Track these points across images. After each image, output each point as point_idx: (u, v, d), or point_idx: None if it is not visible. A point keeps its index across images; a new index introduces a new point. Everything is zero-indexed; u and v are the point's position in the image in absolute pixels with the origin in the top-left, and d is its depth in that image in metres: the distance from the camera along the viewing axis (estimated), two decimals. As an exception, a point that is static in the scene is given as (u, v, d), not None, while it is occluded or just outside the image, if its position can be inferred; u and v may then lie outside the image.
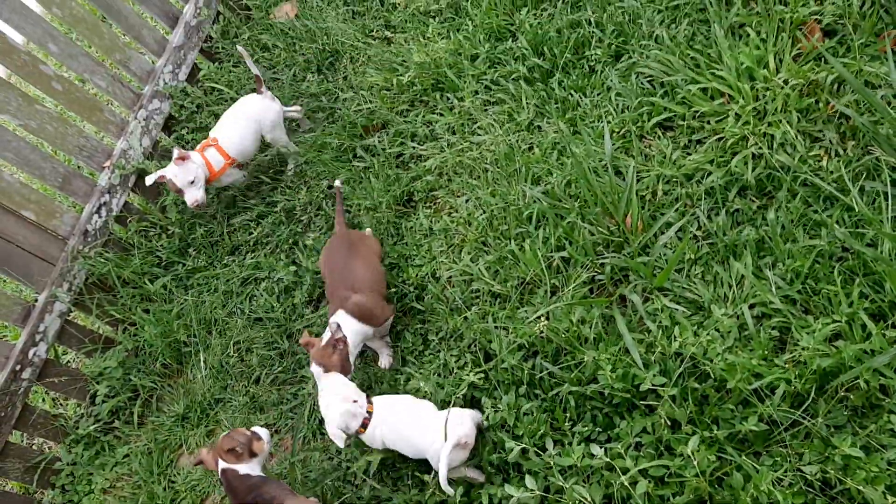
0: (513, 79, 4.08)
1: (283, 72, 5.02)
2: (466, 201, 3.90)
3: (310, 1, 5.25)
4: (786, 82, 3.20)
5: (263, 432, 3.36)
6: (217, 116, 5.13)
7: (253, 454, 3.26)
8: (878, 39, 3.10)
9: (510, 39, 4.23)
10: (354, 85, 4.64)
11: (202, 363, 4.28)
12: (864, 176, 2.91)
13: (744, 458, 2.55)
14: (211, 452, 3.29)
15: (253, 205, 4.66)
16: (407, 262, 3.86)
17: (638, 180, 3.41)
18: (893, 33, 3.06)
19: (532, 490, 2.73)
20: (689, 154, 3.39)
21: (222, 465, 3.23)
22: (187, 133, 5.22)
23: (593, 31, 3.94)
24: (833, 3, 3.21)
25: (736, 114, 3.28)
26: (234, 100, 5.15)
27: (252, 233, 4.56)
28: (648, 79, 3.69)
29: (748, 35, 3.41)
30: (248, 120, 4.46)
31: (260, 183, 4.73)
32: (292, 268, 4.20)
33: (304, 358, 3.97)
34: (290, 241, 4.39)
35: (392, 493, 3.27)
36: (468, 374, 3.23)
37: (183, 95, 5.25)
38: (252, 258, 4.47)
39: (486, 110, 4.09)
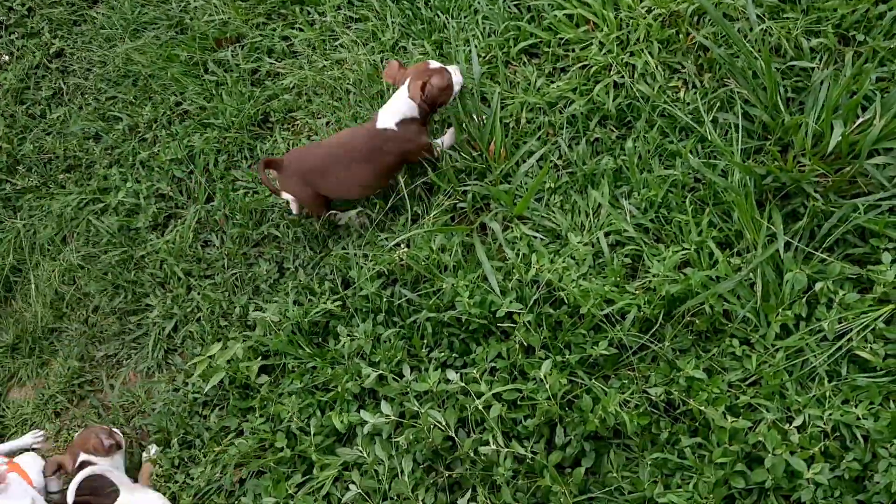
0: (378, -4, 3.88)
1: (128, -25, 4.57)
2: (327, 124, 3.71)
3: None
4: (649, 11, 3.20)
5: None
6: (51, 21, 4.66)
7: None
8: (738, -27, 3.14)
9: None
10: (208, -8, 4.28)
11: (33, 290, 3.93)
12: (717, 107, 2.97)
13: (593, 381, 2.59)
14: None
15: (90, 120, 4.26)
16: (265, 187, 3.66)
17: (502, 107, 3.34)
18: (752, -32, 3.11)
19: (387, 415, 2.68)
20: (554, 82, 3.35)
21: (83, 456, 3.23)
22: (17, 39, 4.70)
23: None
24: (697, -65, 3.21)
25: (600, 42, 3.26)
26: None
27: (92, 151, 4.19)
28: (515, 2, 3.60)
29: (615, -38, 3.37)
30: None
31: (99, 91, 4.33)
32: (134, 187, 3.89)
33: (150, 284, 3.71)
34: (133, 160, 4.05)
35: (242, 423, 3.15)
36: (326, 302, 3.12)
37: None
38: (93, 179, 4.11)
39: (348, 27, 3.87)
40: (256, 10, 4.12)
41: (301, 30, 3.97)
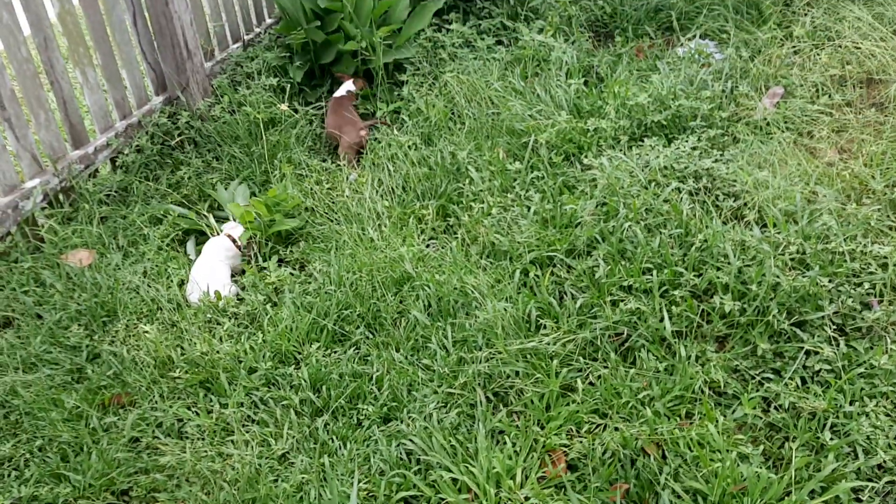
0: (282, 405, 4.03)
1: (50, 314, 4.67)
2: (188, 515, 3.56)
3: (109, 258, 5.13)
4: (527, 498, 3.40)
5: None
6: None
7: None
8: (611, 489, 3.43)
9: (293, 365, 4.27)
10: (119, 353, 4.37)
11: None
12: None
13: None
14: None
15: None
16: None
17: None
18: (624, 487, 3.42)
19: None
20: (426, 538, 3.39)
21: None
22: None
23: (372, 388, 4.08)
24: (580, 442, 3.58)
25: (478, 514, 3.39)
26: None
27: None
28: (408, 450, 3.78)
29: (505, 442, 3.67)
30: None
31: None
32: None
33: None
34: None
35: None
36: None
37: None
38: None
39: (245, 426, 3.94)
40: (161, 382, 4.20)
41: (198, 414, 4.01)
